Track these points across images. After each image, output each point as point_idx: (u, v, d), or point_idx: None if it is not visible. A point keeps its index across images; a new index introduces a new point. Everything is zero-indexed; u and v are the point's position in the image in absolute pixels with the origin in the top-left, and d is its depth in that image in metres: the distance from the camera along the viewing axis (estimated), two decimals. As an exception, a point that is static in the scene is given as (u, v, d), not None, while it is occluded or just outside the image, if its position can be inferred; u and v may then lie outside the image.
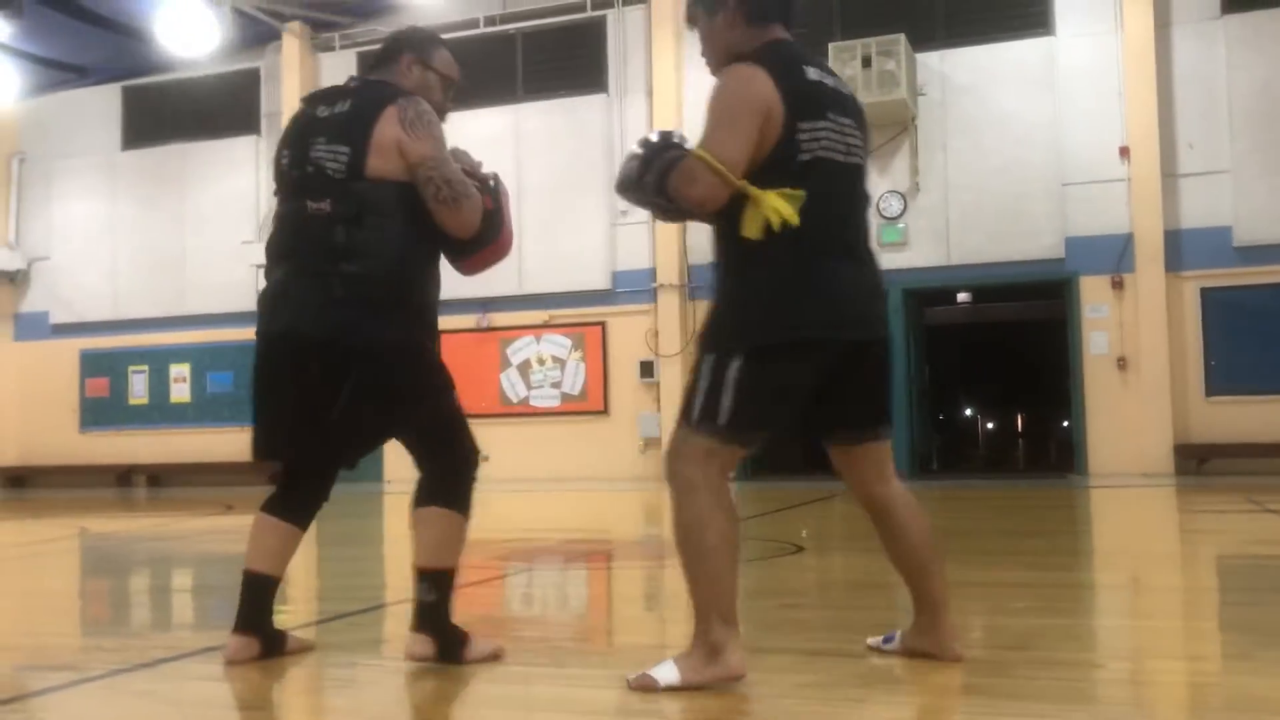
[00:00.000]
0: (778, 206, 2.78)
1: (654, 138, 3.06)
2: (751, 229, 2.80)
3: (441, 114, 3.29)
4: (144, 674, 3.11)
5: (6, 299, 17.98)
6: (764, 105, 2.81)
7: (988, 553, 6.10)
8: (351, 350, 3.06)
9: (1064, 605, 4.16)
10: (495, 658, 3.17)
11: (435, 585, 3.08)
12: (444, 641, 3.08)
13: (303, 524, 3.26)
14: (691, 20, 3.14)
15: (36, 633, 4.24)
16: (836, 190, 2.90)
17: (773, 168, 2.82)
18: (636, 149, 3.05)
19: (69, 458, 17.21)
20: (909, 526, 3.01)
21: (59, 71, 16.90)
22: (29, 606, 5.04)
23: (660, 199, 2.98)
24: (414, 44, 3.36)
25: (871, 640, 3.20)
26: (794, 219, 2.79)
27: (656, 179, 2.93)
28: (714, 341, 2.89)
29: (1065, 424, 17.32)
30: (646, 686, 2.76)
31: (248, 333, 3.46)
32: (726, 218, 2.89)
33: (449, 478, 3.15)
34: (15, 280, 17.91)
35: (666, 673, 2.77)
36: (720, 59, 3.02)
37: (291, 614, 3.40)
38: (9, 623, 4.56)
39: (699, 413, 2.84)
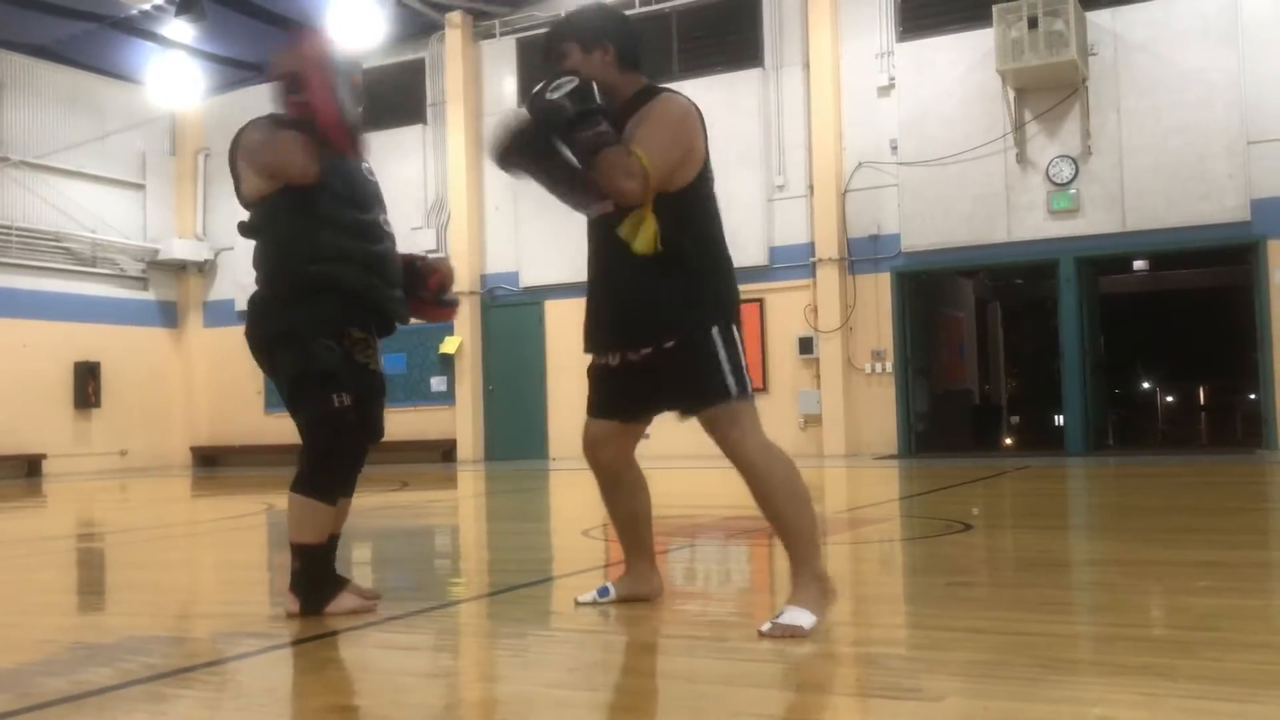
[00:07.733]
0: (657, 231, 3.16)
1: (566, 86, 3.16)
2: (644, 244, 3.15)
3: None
4: (328, 642, 3.27)
5: (197, 288, 19.06)
6: (692, 142, 3.24)
7: (1168, 530, 5.85)
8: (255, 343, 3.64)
9: (1252, 585, 3.96)
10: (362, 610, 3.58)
11: (297, 556, 3.62)
12: (305, 600, 3.58)
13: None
14: (559, 54, 3.35)
15: (231, 602, 4.51)
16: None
17: (694, 192, 3.24)
18: (556, 95, 3.15)
19: (254, 438, 18.16)
20: (644, 485, 3.53)
21: (238, 70, 17.74)
22: (225, 578, 5.36)
23: (571, 165, 3.22)
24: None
25: (583, 597, 3.55)
26: (658, 247, 3.16)
27: (586, 144, 3.12)
28: (703, 317, 3.18)
29: (1252, 396, 16.40)
30: (793, 634, 2.98)
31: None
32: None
33: (305, 468, 3.64)
34: (204, 270, 18.98)
35: (803, 617, 3.02)
36: None
37: (465, 586, 3.52)
38: (208, 593, 4.87)
39: (740, 383, 3.18)
